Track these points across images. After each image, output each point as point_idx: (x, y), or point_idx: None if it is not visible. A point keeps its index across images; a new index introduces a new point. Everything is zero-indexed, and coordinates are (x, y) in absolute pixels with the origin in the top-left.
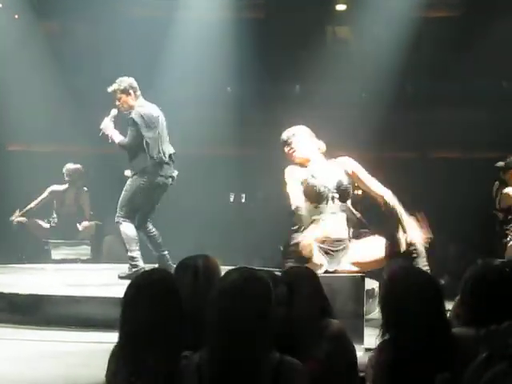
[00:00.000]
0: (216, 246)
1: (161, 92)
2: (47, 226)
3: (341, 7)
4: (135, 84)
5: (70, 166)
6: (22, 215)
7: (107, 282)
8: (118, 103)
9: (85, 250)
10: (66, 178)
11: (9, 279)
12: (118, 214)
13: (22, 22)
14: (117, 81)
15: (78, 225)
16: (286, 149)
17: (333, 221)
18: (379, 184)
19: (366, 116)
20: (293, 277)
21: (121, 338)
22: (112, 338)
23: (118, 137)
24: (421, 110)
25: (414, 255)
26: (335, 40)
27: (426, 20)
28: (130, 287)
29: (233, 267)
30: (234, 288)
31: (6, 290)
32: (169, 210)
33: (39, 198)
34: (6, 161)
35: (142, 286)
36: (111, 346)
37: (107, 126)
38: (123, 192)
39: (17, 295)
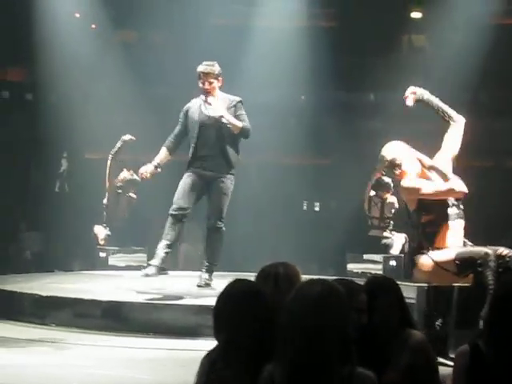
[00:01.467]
0: (290, 253)
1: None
2: (106, 232)
3: (416, 15)
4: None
5: (123, 173)
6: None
7: (184, 289)
8: (207, 87)
9: (141, 257)
10: (119, 185)
11: (87, 286)
12: (221, 220)
13: (99, 32)
14: (208, 63)
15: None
16: (397, 171)
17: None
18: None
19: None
20: (374, 285)
21: (216, 345)
22: (192, 345)
23: (237, 121)
24: (495, 117)
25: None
26: (411, 48)
27: (502, 27)
28: (221, 296)
29: (310, 277)
30: (313, 306)
31: (87, 297)
32: (245, 216)
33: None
34: (83, 168)
35: (233, 295)
36: (192, 353)
37: (225, 112)
38: (222, 195)
39: (101, 302)
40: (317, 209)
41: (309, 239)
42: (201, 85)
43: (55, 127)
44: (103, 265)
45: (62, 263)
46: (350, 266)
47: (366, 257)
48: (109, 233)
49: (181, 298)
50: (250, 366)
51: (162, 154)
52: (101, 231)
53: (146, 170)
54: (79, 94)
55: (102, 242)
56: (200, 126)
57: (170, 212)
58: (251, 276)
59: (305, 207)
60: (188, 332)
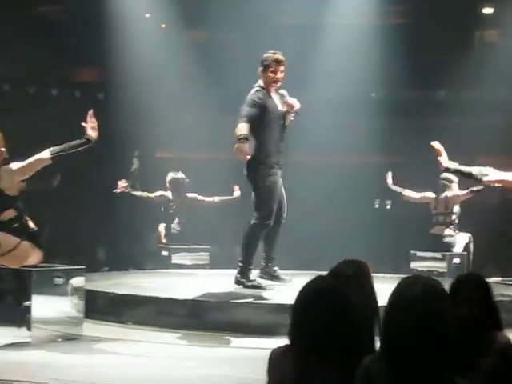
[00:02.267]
0: (361, 252)
1: (306, 99)
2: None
3: (488, 10)
4: None
5: (171, 174)
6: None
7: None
8: (279, 76)
9: (204, 256)
10: (168, 186)
11: (163, 284)
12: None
13: (169, 31)
14: (279, 52)
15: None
16: None
17: None
18: None
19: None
20: (462, 284)
21: (291, 342)
22: (267, 343)
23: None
24: None
25: None
26: (482, 44)
27: None
28: (301, 294)
29: (380, 275)
30: (416, 306)
31: (164, 295)
32: (317, 215)
33: (152, 195)
34: (154, 167)
35: (314, 293)
36: (265, 352)
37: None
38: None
39: (178, 300)
40: (388, 207)
41: (379, 237)
42: (271, 74)
43: (126, 127)
44: (166, 263)
45: (134, 262)
46: (413, 265)
47: (428, 255)
48: (174, 231)
49: (257, 296)
50: (338, 363)
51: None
52: (164, 230)
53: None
54: (150, 94)
55: (164, 241)
56: (278, 119)
57: (270, 222)
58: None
59: (376, 205)
60: (265, 330)
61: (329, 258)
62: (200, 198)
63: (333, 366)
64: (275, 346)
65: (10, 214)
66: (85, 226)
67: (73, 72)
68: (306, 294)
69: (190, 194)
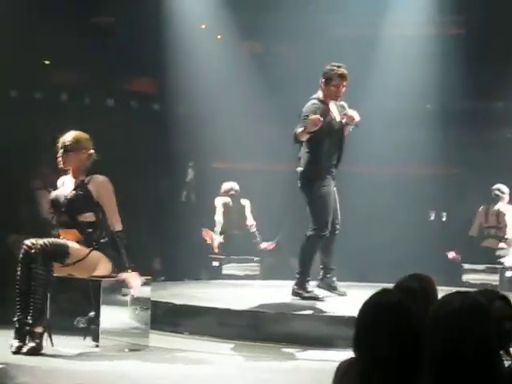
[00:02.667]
0: (416, 264)
1: (362, 110)
2: (219, 239)
3: None
4: None
5: (226, 184)
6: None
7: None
8: (342, 90)
9: (255, 267)
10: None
11: (219, 294)
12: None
13: (225, 43)
14: (343, 66)
15: (261, 245)
16: None
17: None
18: None
19: None
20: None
21: (356, 356)
22: (325, 355)
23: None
24: None
25: None
26: None
27: None
28: (366, 306)
29: (451, 290)
30: (459, 319)
31: (221, 306)
32: (371, 226)
33: (220, 212)
34: (209, 177)
35: (380, 307)
36: (325, 364)
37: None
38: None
39: (236, 311)
40: (444, 219)
41: (434, 249)
42: (333, 88)
43: (182, 137)
44: (216, 274)
45: (188, 272)
46: (465, 277)
47: (480, 267)
48: (222, 241)
49: (314, 308)
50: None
51: None
52: (215, 239)
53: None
54: (206, 105)
55: (215, 251)
56: (336, 131)
57: (326, 233)
58: (376, 287)
59: (432, 217)
60: (321, 342)
61: (384, 270)
62: (248, 211)
63: (395, 381)
64: (333, 358)
65: (90, 217)
66: (141, 236)
67: (129, 83)
68: (371, 306)
69: (242, 201)
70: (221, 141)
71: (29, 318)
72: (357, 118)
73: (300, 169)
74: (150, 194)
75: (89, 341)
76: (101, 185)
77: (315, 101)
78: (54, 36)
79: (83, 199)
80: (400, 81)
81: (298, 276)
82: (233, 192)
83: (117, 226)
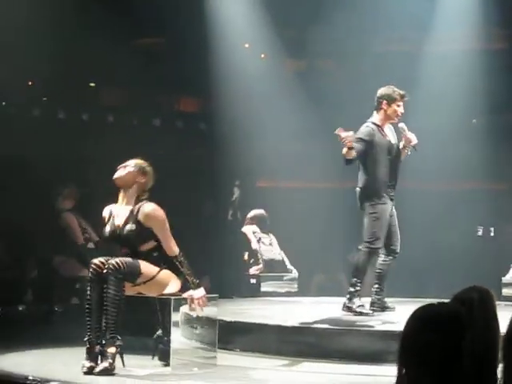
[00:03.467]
0: (465, 279)
1: (409, 126)
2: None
3: None
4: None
5: (253, 212)
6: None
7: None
8: (402, 111)
9: (293, 284)
10: (249, 221)
11: (268, 311)
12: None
13: (269, 61)
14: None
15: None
16: None
17: None
18: None
19: None
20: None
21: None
22: (376, 371)
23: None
24: None
25: None
26: None
27: None
28: (410, 320)
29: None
30: None
31: (271, 322)
32: (419, 242)
33: (253, 240)
34: (255, 196)
35: (429, 320)
36: (378, 379)
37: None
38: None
39: (285, 327)
40: (492, 234)
41: (483, 265)
42: (397, 108)
43: (228, 156)
44: (255, 291)
45: (234, 289)
46: (505, 291)
47: None
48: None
49: (364, 323)
50: None
51: None
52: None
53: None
54: (251, 123)
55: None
56: (389, 153)
57: (377, 247)
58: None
59: (480, 233)
60: (372, 358)
61: (432, 285)
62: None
63: None
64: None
65: (150, 245)
66: (190, 255)
67: (175, 102)
68: (429, 317)
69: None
70: (266, 159)
71: (101, 337)
72: (414, 140)
73: (358, 189)
74: (196, 212)
75: (156, 360)
76: (149, 215)
77: (370, 124)
78: (101, 56)
79: (139, 232)
80: (445, 96)
81: (350, 290)
82: (261, 218)
83: (174, 250)
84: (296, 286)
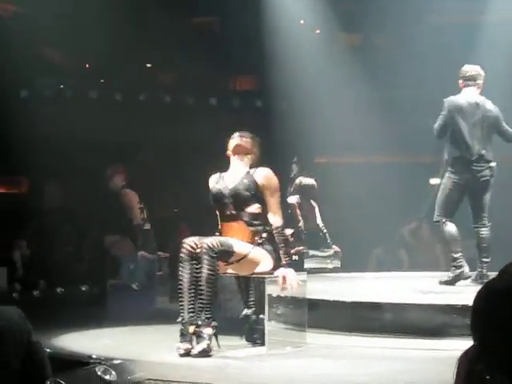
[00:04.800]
0: None
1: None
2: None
3: None
4: (465, 73)
5: (300, 179)
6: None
7: (428, 288)
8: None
9: (336, 260)
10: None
11: (326, 287)
12: (437, 213)
13: (323, 36)
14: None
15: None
16: None
17: None
18: None
19: None
20: None
21: (476, 345)
22: (439, 344)
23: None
24: None
25: None
26: None
27: None
28: (484, 292)
29: None
30: None
31: (332, 298)
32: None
33: (298, 212)
34: (313, 172)
35: (498, 292)
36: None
37: None
38: (440, 190)
39: (347, 303)
40: None
41: None
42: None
43: (286, 133)
44: (298, 268)
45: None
46: None
47: None
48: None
49: (427, 296)
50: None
51: None
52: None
53: None
54: (307, 100)
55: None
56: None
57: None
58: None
59: None
60: (435, 332)
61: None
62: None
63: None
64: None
65: (256, 209)
66: None
67: (231, 81)
68: (482, 291)
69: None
70: (323, 135)
71: (197, 318)
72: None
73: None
74: None
75: (244, 340)
76: (266, 177)
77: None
78: (157, 37)
79: (250, 190)
80: (507, 67)
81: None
82: (307, 187)
83: (278, 221)
84: (339, 262)
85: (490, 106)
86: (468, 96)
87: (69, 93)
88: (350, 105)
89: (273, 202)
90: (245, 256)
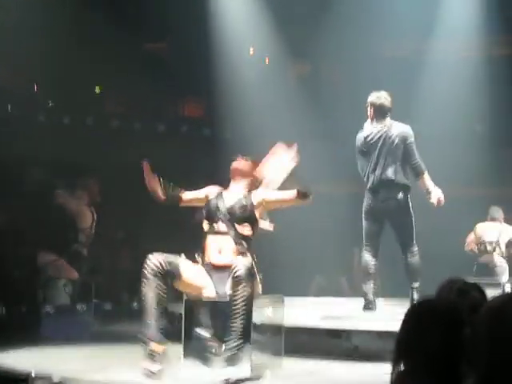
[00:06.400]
0: None
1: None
2: None
3: None
4: (372, 101)
5: None
6: None
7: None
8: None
9: None
10: None
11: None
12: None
13: (272, 66)
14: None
15: None
16: None
17: None
18: None
19: None
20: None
21: (404, 366)
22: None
23: None
24: None
25: None
26: None
27: None
28: (409, 316)
29: None
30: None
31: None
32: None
33: None
34: None
35: (424, 315)
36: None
37: None
38: None
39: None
40: None
41: None
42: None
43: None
44: None
45: None
46: None
47: None
48: None
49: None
50: None
51: None
52: None
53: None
54: (254, 129)
55: None
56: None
57: None
58: None
59: None
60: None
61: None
62: None
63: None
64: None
65: (247, 230)
66: None
67: (179, 107)
68: (410, 316)
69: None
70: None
71: (227, 342)
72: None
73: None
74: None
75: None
76: (261, 195)
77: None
78: (105, 62)
79: (246, 211)
80: (447, 103)
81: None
82: None
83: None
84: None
85: (395, 130)
86: (370, 127)
87: (16, 114)
88: (297, 133)
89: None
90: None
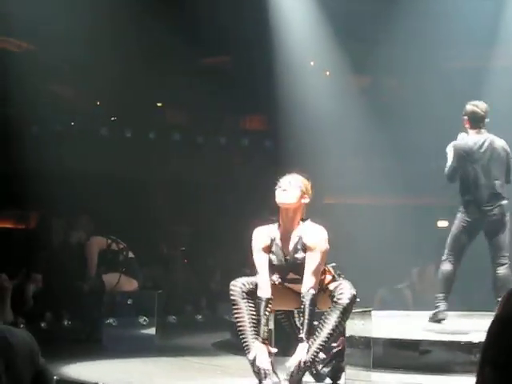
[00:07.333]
0: None
1: None
2: None
3: None
4: (470, 112)
5: None
6: None
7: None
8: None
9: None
10: None
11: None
12: (445, 252)
13: (334, 78)
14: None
15: None
16: None
17: None
18: None
19: None
20: None
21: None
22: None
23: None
24: None
25: None
26: None
27: None
28: (494, 322)
29: None
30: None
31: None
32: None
33: None
34: (322, 213)
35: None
36: None
37: None
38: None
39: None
40: None
41: None
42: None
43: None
44: None
45: None
46: None
47: None
48: None
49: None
50: None
51: None
52: None
53: None
54: (316, 140)
55: None
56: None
57: None
58: None
59: None
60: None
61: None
62: None
63: None
64: None
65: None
66: None
67: (240, 121)
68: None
69: None
70: (332, 176)
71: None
72: None
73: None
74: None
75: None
76: (316, 243)
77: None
78: (168, 76)
79: (303, 256)
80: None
81: None
82: None
83: (313, 287)
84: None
85: (498, 143)
86: (475, 137)
87: (79, 129)
88: (359, 145)
89: (313, 266)
90: None
